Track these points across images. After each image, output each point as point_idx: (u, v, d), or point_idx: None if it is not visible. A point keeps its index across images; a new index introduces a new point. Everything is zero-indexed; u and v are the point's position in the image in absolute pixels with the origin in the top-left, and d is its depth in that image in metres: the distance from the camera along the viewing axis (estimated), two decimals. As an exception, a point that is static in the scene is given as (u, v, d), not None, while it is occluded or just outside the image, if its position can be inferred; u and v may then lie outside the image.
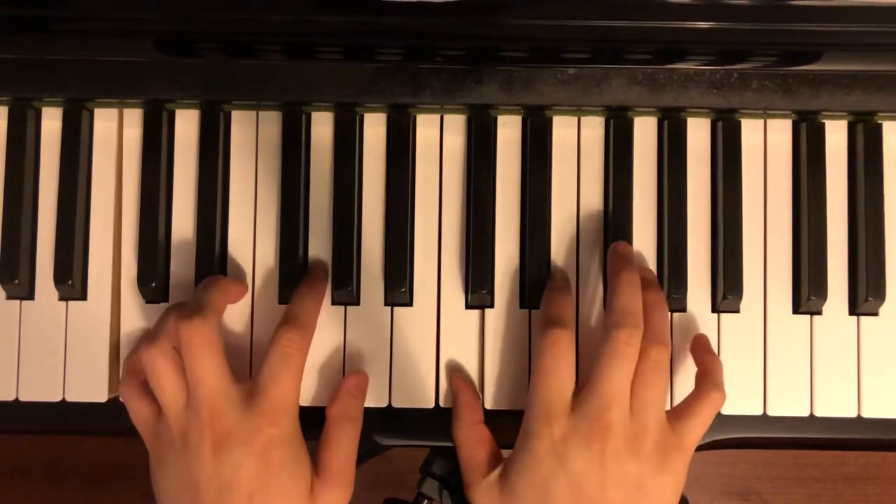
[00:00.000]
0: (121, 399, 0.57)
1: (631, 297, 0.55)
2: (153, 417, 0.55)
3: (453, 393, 0.58)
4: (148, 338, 0.56)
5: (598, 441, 0.51)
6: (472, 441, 0.57)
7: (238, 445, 0.52)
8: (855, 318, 0.60)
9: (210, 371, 0.53)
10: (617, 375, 0.53)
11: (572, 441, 0.52)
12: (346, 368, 0.59)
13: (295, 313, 0.56)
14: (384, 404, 0.59)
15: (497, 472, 0.55)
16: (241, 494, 0.51)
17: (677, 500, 0.54)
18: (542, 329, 0.54)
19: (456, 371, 0.59)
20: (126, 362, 0.58)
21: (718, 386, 0.56)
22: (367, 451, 0.58)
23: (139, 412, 0.56)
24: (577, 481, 0.51)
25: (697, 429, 0.54)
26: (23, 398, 0.59)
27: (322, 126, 0.60)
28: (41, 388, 0.59)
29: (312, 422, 0.56)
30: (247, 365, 0.59)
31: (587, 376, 0.54)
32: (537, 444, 0.52)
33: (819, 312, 0.60)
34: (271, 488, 0.52)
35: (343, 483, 0.55)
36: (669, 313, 0.59)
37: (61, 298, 0.60)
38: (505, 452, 0.58)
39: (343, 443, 0.56)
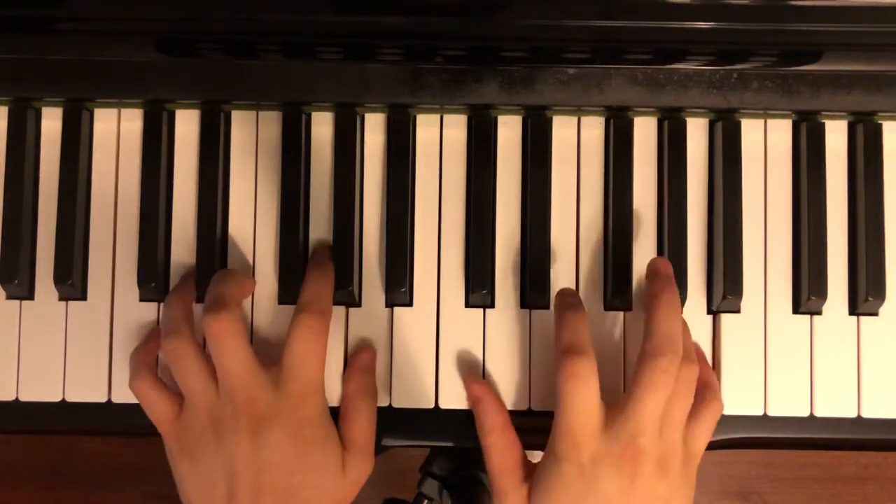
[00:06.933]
0: (134, 394, 0.56)
1: (672, 321, 0.54)
2: (175, 411, 0.55)
3: (473, 399, 0.57)
4: (163, 329, 0.55)
5: (630, 465, 0.51)
6: (503, 447, 0.56)
7: (274, 428, 0.53)
8: (855, 318, 0.60)
9: (240, 363, 0.53)
10: (653, 403, 0.52)
11: (603, 464, 0.52)
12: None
13: (308, 300, 0.56)
14: (385, 404, 0.59)
15: (524, 491, 0.55)
16: (281, 473, 0.53)
17: None
18: (560, 357, 0.52)
19: (470, 375, 0.59)
20: (135, 356, 0.57)
21: (719, 396, 0.57)
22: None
23: (159, 407, 0.56)
24: (607, 503, 0.52)
25: (705, 437, 0.56)
26: (23, 398, 0.59)
27: (322, 126, 0.60)
28: (41, 388, 0.59)
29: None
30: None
31: (613, 398, 0.54)
32: (566, 466, 0.52)
33: (819, 312, 0.60)
34: (307, 465, 0.54)
35: (368, 455, 0.57)
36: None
37: (61, 298, 0.60)
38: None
39: (364, 418, 0.57)
